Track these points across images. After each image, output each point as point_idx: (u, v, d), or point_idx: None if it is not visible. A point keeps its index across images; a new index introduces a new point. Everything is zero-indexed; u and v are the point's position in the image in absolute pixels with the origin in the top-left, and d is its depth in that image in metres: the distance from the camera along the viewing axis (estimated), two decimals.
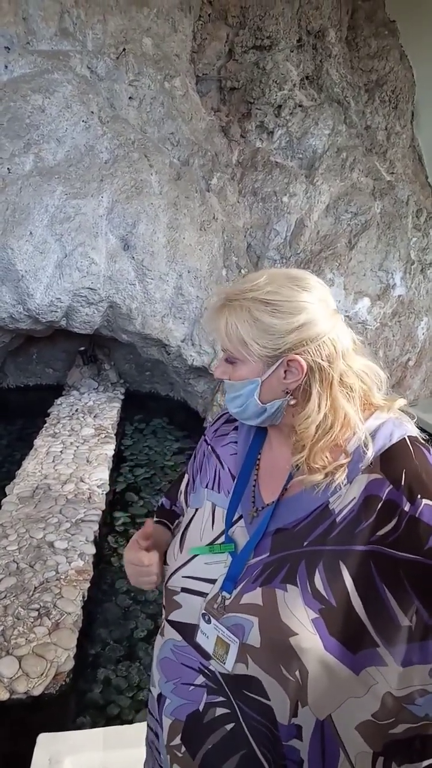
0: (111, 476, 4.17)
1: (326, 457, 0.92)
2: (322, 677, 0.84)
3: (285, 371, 0.94)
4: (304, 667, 0.84)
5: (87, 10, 4.87)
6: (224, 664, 0.91)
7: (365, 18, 5.97)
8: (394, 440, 0.90)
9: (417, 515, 0.84)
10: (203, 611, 0.96)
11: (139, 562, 1.08)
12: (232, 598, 0.94)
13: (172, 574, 1.05)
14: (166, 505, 1.30)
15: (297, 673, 0.84)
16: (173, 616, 1.03)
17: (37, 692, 2.35)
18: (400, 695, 0.83)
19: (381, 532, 0.85)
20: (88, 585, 2.94)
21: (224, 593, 0.95)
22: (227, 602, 0.94)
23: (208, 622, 0.95)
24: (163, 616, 1.06)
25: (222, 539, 1.01)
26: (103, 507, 3.69)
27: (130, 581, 1.12)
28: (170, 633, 1.03)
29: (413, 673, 0.83)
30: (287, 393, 0.96)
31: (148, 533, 1.09)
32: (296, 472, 0.96)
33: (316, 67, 5.64)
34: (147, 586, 1.11)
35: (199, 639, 0.96)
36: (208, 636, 0.95)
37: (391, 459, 0.89)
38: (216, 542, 1.01)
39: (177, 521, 1.22)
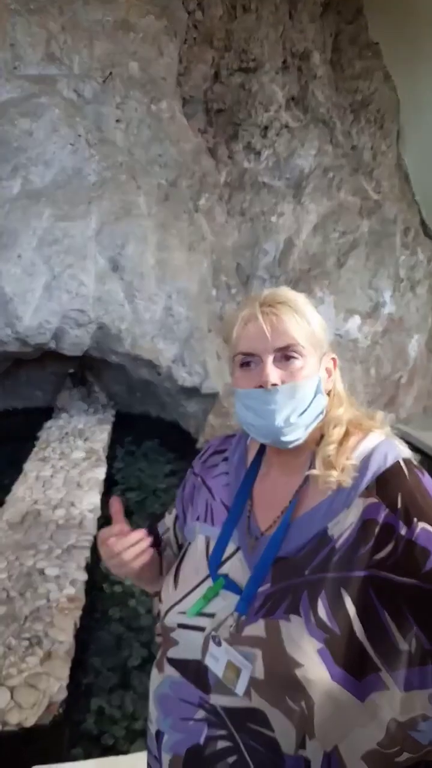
0: (102, 500, 4.11)
1: (344, 458, 0.93)
2: (328, 707, 0.83)
3: (326, 369, 0.99)
4: (310, 699, 0.82)
5: (73, 35, 4.94)
6: (234, 688, 0.89)
7: (349, 40, 6.08)
8: (389, 463, 0.90)
9: (413, 539, 0.84)
10: (213, 634, 0.94)
11: (122, 545, 1.00)
12: (243, 620, 0.92)
13: (168, 611, 1.02)
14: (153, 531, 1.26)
15: (303, 704, 0.83)
16: (171, 653, 1.00)
17: (29, 723, 2.29)
18: (404, 721, 0.82)
19: (379, 557, 0.85)
20: (80, 613, 2.89)
21: (238, 614, 0.93)
22: (241, 623, 0.92)
23: (219, 644, 0.92)
24: (160, 653, 1.04)
25: (209, 580, 1.00)
26: (95, 532, 3.64)
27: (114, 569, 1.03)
28: (169, 670, 1.00)
29: (414, 698, 0.82)
30: (328, 394, 0.99)
31: (117, 511, 1.06)
32: (302, 489, 0.96)
33: (302, 88, 5.73)
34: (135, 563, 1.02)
35: (208, 662, 0.93)
36: (218, 660, 0.92)
37: (387, 482, 0.89)
38: (207, 587, 0.99)
39: (163, 551, 1.19)
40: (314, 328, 0.96)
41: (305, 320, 0.95)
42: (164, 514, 1.25)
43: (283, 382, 0.93)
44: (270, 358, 0.94)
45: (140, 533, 1.02)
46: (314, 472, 0.93)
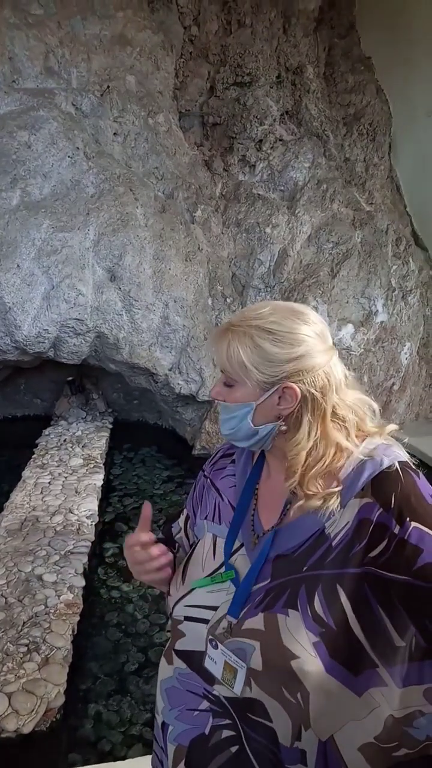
0: (100, 506, 4.15)
1: (319, 484, 0.95)
2: (323, 699, 0.86)
3: (279, 397, 0.98)
4: (305, 690, 0.86)
5: (71, 49, 4.99)
6: (233, 688, 0.94)
7: (342, 54, 6.15)
8: (385, 466, 0.94)
9: (405, 537, 0.87)
10: (210, 637, 0.98)
11: (146, 557, 1.10)
12: (235, 623, 0.96)
13: (176, 604, 1.07)
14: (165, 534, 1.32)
15: (298, 695, 0.86)
16: (179, 645, 1.05)
17: (27, 730, 2.29)
18: (400, 716, 0.85)
19: (372, 554, 0.88)
20: (77, 619, 2.91)
21: (230, 618, 0.97)
22: (233, 626, 0.96)
23: (215, 647, 0.97)
24: (169, 644, 1.08)
25: (223, 569, 1.04)
26: (93, 538, 3.67)
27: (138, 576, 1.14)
28: (177, 662, 1.05)
29: (411, 694, 0.85)
30: (279, 419, 0.99)
31: (147, 517, 1.13)
32: (293, 498, 0.99)
33: (296, 102, 5.79)
34: (157, 576, 1.12)
35: (207, 664, 0.98)
36: (215, 661, 0.97)
37: (382, 484, 0.92)
38: (217, 572, 1.04)
39: (176, 551, 1.24)
40: (251, 360, 0.97)
41: (249, 349, 0.97)
42: (178, 515, 1.30)
43: (224, 399, 1.03)
44: (221, 377, 1.04)
45: (161, 549, 1.10)
46: (298, 503, 0.97)
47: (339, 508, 0.93)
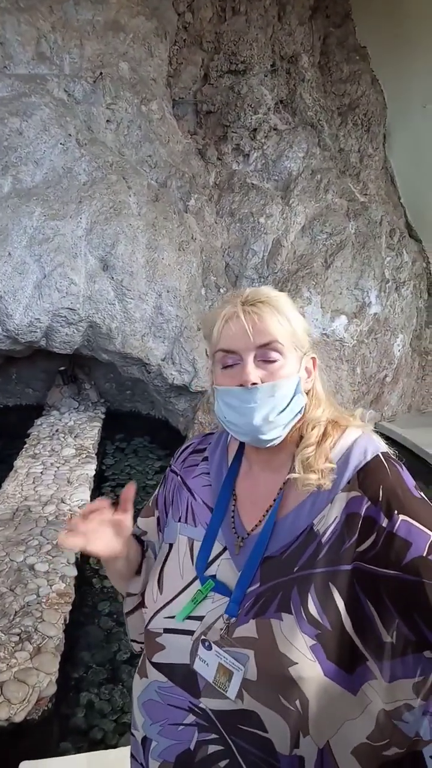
0: (92, 496, 4.13)
1: (323, 460, 0.93)
2: (322, 703, 0.83)
3: (306, 368, 0.98)
4: (304, 696, 0.83)
5: (64, 35, 4.94)
6: (226, 692, 0.88)
7: (337, 43, 6.12)
8: (369, 457, 0.92)
9: (394, 531, 0.85)
10: (203, 637, 0.93)
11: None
12: (233, 622, 0.92)
13: (153, 616, 1.00)
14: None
15: (297, 702, 0.83)
16: (157, 658, 0.98)
17: (18, 718, 2.29)
18: (390, 710, 0.84)
19: (361, 549, 0.87)
20: (69, 608, 2.91)
21: (227, 616, 0.92)
22: (231, 625, 0.92)
23: (209, 648, 0.91)
24: (143, 658, 1.02)
25: (197, 582, 0.98)
26: None
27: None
28: (154, 675, 0.98)
29: (399, 687, 0.84)
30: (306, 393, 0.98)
31: (126, 498, 1.01)
32: (288, 487, 0.96)
33: (290, 91, 5.76)
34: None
35: (197, 666, 0.92)
36: (208, 664, 0.91)
37: (368, 476, 0.90)
38: (197, 591, 0.98)
39: (145, 550, 1.17)
40: (294, 327, 0.95)
41: (286, 319, 0.94)
42: (144, 515, 1.20)
43: (262, 381, 0.93)
44: (251, 357, 0.93)
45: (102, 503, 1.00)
46: (294, 475, 0.94)
47: (328, 505, 0.91)
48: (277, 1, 5.73)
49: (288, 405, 0.94)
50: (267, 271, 5.33)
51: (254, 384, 0.92)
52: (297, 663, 0.84)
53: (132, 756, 1.04)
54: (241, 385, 0.93)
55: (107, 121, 5.06)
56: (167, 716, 0.94)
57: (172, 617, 0.97)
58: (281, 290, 1.03)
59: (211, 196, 5.53)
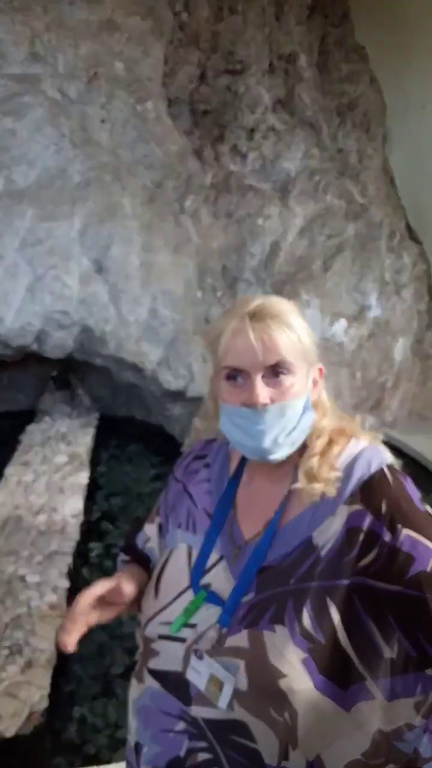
0: (85, 505, 4.07)
1: (327, 469, 0.93)
2: (312, 717, 0.82)
3: (313, 380, 0.97)
4: (293, 709, 0.82)
5: (58, 34, 4.90)
6: (217, 702, 0.87)
7: (335, 43, 6.11)
8: (373, 470, 0.91)
9: (397, 545, 0.85)
10: (195, 647, 0.92)
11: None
12: (225, 631, 0.91)
13: (149, 621, 1.01)
14: (131, 545, 1.22)
15: (286, 714, 0.82)
16: (152, 665, 0.98)
17: (9, 734, 2.26)
18: (389, 731, 0.83)
19: (363, 563, 0.85)
20: (61, 620, 2.83)
21: (219, 626, 0.91)
22: (223, 635, 0.91)
23: (201, 658, 0.91)
24: (140, 663, 1.02)
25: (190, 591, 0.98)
26: (77, 538, 3.60)
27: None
28: (149, 681, 0.98)
29: (399, 706, 0.83)
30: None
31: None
32: (291, 496, 0.95)
33: (288, 91, 5.74)
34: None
35: (190, 675, 0.91)
36: (200, 673, 0.90)
37: (371, 489, 0.89)
38: (189, 602, 0.97)
39: (148, 562, 1.16)
40: (304, 341, 0.93)
41: (296, 334, 0.92)
42: (141, 524, 1.21)
43: (272, 401, 0.91)
44: (259, 376, 0.91)
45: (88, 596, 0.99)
46: (298, 485, 0.93)
47: (329, 518, 0.90)
48: (274, 1, 5.71)
49: (297, 424, 0.93)
50: (265, 273, 5.29)
51: (264, 405, 0.91)
52: (287, 675, 0.83)
53: (126, 760, 1.06)
54: (249, 405, 0.91)
55: (102, 121, 5.03)
56: (160, 722, 0.95)
57: (167, 623, 0.97)
58: (279, 293, 0.98)
59: (208, 197, 5.48)
